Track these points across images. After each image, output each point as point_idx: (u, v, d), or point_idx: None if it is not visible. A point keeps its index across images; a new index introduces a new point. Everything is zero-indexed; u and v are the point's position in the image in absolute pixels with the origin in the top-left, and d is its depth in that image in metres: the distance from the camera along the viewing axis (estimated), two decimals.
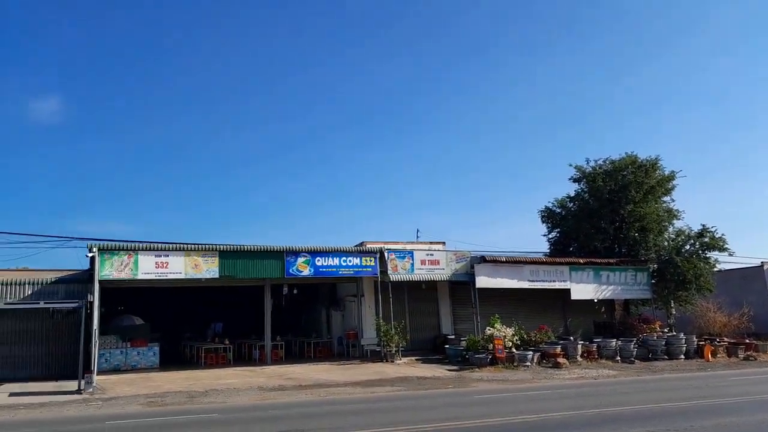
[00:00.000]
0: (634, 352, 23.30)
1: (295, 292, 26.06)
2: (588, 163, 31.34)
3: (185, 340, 27.98)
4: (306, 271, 22.49)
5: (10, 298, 20.40)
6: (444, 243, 27.62)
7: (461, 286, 25.67)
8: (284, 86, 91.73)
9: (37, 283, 20.99)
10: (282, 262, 22.20)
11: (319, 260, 22.73)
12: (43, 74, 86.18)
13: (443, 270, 24.71)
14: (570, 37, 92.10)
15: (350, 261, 23.26)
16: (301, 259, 22.45)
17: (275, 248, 22.29)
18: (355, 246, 24.65)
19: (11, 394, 16.24)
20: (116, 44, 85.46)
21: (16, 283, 20.72)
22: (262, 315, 23.97)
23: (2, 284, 20.53)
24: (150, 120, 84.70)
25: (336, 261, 23.05)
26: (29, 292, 20.77)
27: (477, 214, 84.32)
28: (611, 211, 29.88)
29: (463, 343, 22.80)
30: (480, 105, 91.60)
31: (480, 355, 21.23)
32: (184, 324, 30.70)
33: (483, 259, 25.03)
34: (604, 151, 78.63)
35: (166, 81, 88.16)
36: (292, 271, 22.34)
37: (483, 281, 24.73)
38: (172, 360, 24.70)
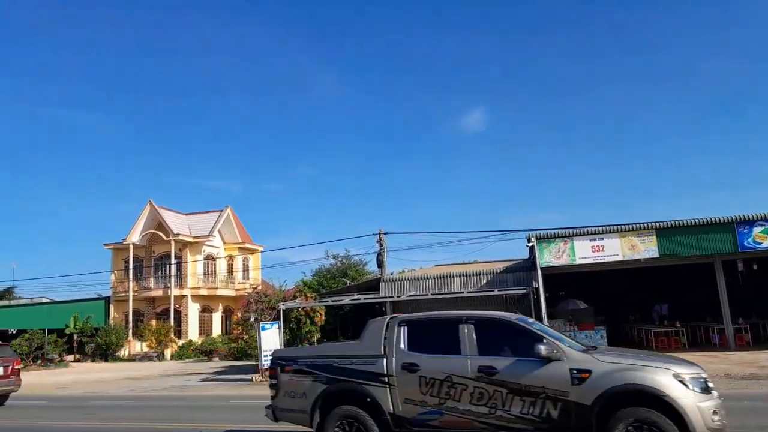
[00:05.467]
0: None
1: (755, 267, 22.44)
2: None
3: (630, 323, 27.30)
4: (766, 243, 19.13)
5: (469, 287, 23.49)
6: None
7: None
8: None
9: (489, 273, 23.62)
10: (733, 234, 19.43)
11: None
12: (469, 94, 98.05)
13: None
14: None
15: None
16: (757, 229, 19.22)
17: (722, 219, 19.65)
18: None
19: None
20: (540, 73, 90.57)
21: (473, 274, 23.79)
22: (713, 295, 21.42)
23: (462, 275, 23.83)
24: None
25: None
26: (484, 282, 23.51)
27: None
28: None
29: None
30: None
31: None
32: (624, 306, 30.00)
33: None
34: None
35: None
36: (748, 243, 19.32)
37: None
38: (619, 343, 24.34)
